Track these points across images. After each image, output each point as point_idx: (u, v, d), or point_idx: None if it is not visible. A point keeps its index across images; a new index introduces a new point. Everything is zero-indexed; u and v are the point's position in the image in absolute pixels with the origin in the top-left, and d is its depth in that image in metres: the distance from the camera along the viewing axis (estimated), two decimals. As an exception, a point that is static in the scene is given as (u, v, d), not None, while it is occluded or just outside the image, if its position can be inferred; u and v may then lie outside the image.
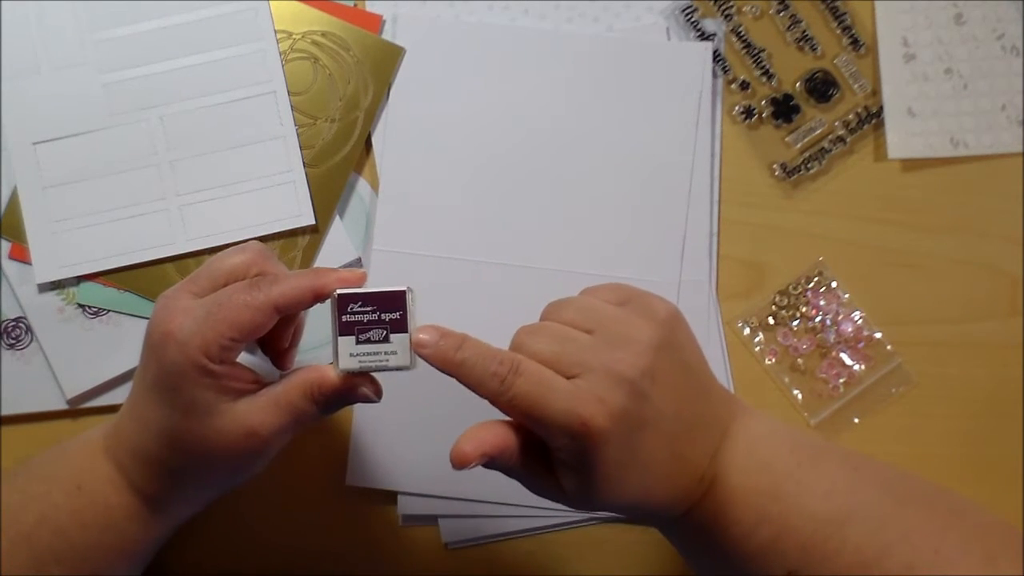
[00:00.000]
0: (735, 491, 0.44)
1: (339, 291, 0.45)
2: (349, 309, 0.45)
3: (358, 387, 0.47)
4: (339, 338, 0.45)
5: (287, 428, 0.47)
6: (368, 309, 0.45)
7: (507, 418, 0.44)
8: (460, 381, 0.44)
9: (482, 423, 0.45)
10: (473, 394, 0.44)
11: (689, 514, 0.46)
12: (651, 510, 0.45)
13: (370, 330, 0.45)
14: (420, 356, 0.44)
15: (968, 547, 0.42)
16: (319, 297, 0.46)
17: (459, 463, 0.43)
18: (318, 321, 0.61)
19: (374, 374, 0.47)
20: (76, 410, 0.61)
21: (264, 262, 0.48)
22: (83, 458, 0.49)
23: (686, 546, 0.49)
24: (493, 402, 0.43)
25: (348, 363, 0.45)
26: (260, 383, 0.48)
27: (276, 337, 0.51)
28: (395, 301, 0.45)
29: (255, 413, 0.46)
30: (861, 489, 0.44)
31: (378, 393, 0.48)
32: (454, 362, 0.43)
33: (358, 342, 0.45)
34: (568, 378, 0.42)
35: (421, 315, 0.46)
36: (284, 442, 0.48)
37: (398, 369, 0.45)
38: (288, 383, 0.47)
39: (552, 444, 0.43)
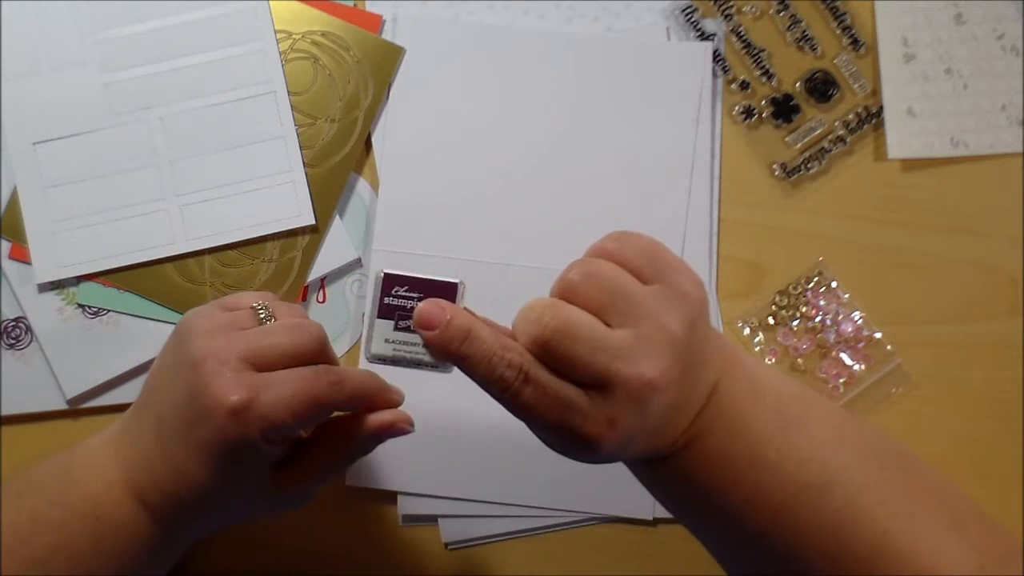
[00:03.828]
0: (713, 453, 0.43)
1: (386, 271, 0.43)
2: (393, 291, 0.42)
3: (393, 426, 0.48)
4: (376, 320, 0.43)
5: (322, 483, 0.49)
6: (414, 295, 0.42)
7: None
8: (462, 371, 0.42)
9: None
10: (478, 391, 0.43)
11: (657, 463, 0.44)
12: (621, 458, 0.44)
13: (411, 317, 0.42)
14: (422, 335, 0.42)
15: (939, 510, 0.42)
16: (375, 407, 0.47)
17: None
18: (332, 312, 0.62)
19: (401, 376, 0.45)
20: (76, 410, 0.61)
21: (328, 351, 0.48)
22: (99, 488, 0.47)
23: (651, 487, 0.48)
24: (499, 401, 0.42)
25: (381, 348, 0.43)
26: (295, 440, 0.49)
27: None
28: (444, 292, 0.42)
29: (297, 479, 0.48)
30: (842, 452, 0.43)
31: (410, 423, 0.48)
32: (456, 355, 0.41)
33: (396, 328, 0.43)
34: (587, 386, 0.40)
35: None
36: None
37: (432, 368, 0.43)
38: (328, 450, 0.48)
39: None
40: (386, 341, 0.43)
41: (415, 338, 0.42)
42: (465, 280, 0.40)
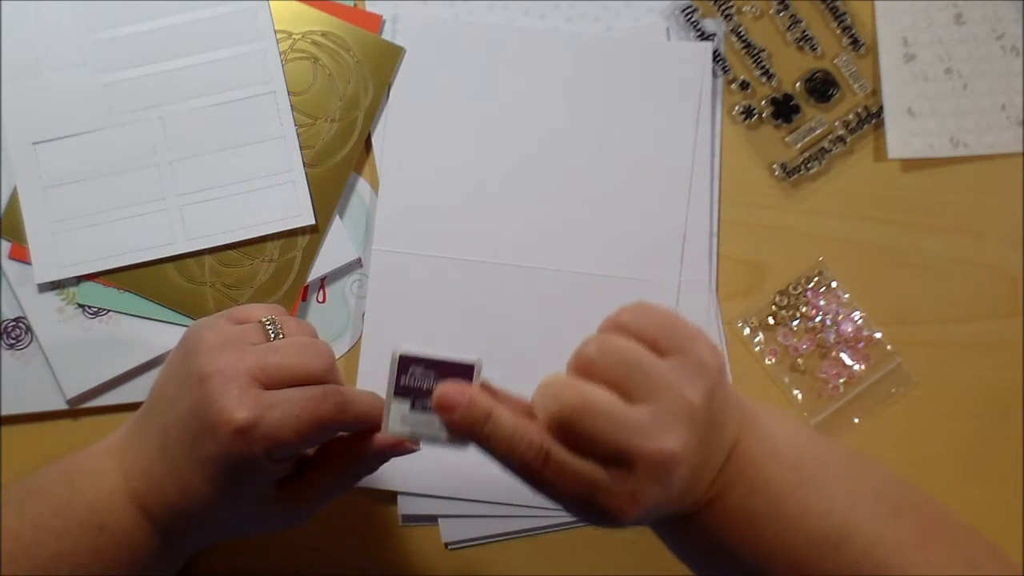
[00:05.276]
0: (734, 511, 0.44)
1: (403, 351, 0.43)
2: (409, 371, 0.43)
3: (399, 445, 0.48)
4: (393, 400, 0.43)
5: (326, 501, 0.49)
6: (431, 375, 0.42)
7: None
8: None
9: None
10: None
11: (679, 522, 0.45)
12: (644, 523, 0.45)
13: (428, 398, 0.42)
14: (442, 417, 0.42)
15: (952, 552, 0.43)
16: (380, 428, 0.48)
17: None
18: (332, 312, 0.62)
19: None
20: (76, 410, 0.61)
21: (335, 372, 0.48)
22: (102, 497, 0.48)
23: (672, 544, 0.48)
24: (519, 478, 0.42)
25: (398, 428, 0.43)
26: (300, 457, 0.49)
27: None
28: (461, 373, 0.42)
29: (301, 496, 0.48)
30: (859, 502, 0.44)
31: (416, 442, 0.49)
32: (479, 435, 0.41)
33: (412, 408, 0.43)
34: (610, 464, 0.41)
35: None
36: None
37: (449, 445, 0.43)
38: (333, 469, 0.48)
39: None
40: (403, 422, 0.43)
41: (431, 417, 0.43)
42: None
